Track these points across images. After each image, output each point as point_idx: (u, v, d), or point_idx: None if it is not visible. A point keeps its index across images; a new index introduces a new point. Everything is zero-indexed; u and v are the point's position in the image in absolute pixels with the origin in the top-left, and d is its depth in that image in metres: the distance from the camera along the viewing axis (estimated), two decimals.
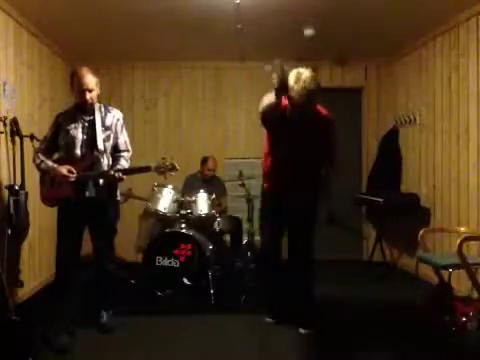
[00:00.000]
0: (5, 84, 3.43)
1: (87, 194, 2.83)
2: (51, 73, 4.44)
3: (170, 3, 3.48)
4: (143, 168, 2.87)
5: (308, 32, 4.11)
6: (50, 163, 2.85)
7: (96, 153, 2.85)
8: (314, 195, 3.04)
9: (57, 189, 2.84)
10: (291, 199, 2.99)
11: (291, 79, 2.70)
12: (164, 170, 2.80)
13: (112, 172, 2.80)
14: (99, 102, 2.95)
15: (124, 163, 2.97)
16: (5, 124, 3.30)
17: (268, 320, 3.11)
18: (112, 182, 2.89)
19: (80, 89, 2.80)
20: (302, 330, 2.93)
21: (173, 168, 2.82)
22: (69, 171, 2.76)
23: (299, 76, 2.70)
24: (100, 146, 2.85)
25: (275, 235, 3.11)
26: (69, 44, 4.47)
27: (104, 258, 3.00)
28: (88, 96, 2.81)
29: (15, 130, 3.38)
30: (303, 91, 2.68)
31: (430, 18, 3.83)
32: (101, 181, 2.86)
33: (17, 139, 3.39)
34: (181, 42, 4.50)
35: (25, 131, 3.49)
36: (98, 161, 2.86)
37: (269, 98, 2.76)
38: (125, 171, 2.86)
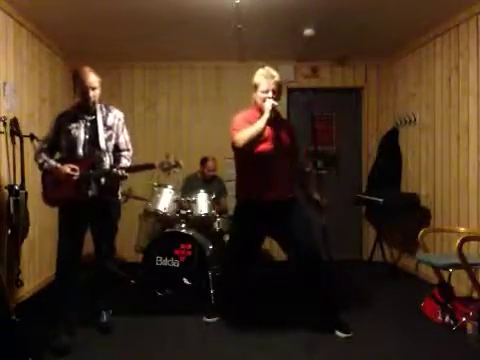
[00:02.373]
0: (5, 84, 3.43)
1: (90, 193, 2.83)
2: (51, 73, 4.44)
3: (170, 3, 3.48)
4: (147, 165, 2.87)
5: (308, 32, 4.12)
6: (53, 162, 2.84)
7: (98, 152, 2.85)
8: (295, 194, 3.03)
9: (59, 189, 2.83)
10: (280, 205, 2.91)
11: (260, 75, 2.89)
12: (168, 167, 2.81)
13: (115, 170, 2.80)
14: (100, 102, 2.96)
15: (126, 162, 2.97)
16: (5, 124, 3.31)
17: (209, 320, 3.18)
18: (115, 180, 2.90)
19: (84, 87, 2.80)
20: (342, 334, 2.87)
21: (177, 165, 2.83)
22: (72, 169, 2.77)
23: (268, 71, 2.88)
24: (102, 146, 2.86)
25: (248, 245, 3.09)
26: (69, 44, 4.47)
27: (106, 257, 3.00)
28: (91, 94, 2.82)
29: (15, 130, 3.38)
30: (275, 83, 2.85)
31: (430, 18, 3.83)
32: (103, 180, 2.86)
33: (17, 139, 3.40)
34: (181, 42, 4.50)
35: (25, 131, 3.50)
36: (100, 161, 2.86)
37: (250, 131, 2.76)
38: (129, 169, 2.87)
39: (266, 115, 2.76)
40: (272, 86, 2.84)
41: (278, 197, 2.89)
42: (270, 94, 2.83)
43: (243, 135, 2.78)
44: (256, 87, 2.90)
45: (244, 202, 3.04)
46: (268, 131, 2.85)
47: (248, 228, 3.01)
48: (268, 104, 2.78)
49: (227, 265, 3.30)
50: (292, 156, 3.02)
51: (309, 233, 2.93)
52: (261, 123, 2.76)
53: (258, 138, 2.78)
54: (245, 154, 2.88)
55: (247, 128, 2.80)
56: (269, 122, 2.79)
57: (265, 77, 2.86)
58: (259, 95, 2.88)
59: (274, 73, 2.87)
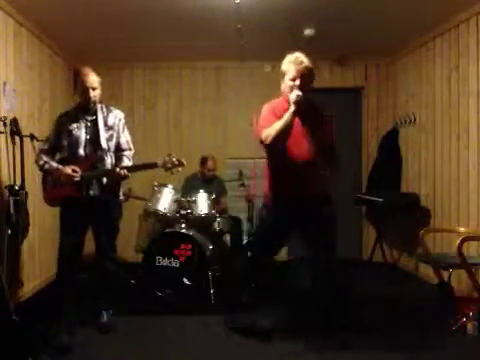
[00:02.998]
0: (5, 84, 3.43)
1: (91, 193, 2.83)
2: (51, 73, 4.44)
3: (170, 3, 3.49)
4: (149, 164, 2.87)
5: (308, 32, 4.12)
6: (54, 164, 2.85)
7: (100, 152, 2.85)
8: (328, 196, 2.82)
9: (60, 189, 2.84)
10: (310, 208, 2.72)
11: (287, 61, 2.67)
12: (170, 166, 2.80)
13: (117, 169, 2.80)
14: (100, 102, 2.96)
15: (127, 162, 2.97)
16: (5, 124, 3.30)
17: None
18: (117, 180, 2.90)
19: (84, 87, 2.81)
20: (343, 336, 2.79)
21: (180, 164, 2.82)
22: (73, 171, 2.77)
23: (296, 57, 2.65)
24: (104, 145, 2.86)
25: (272, 248, 3.02)
26: (69, 44, 4.47)
27: (107, 257, 3.00)
28: (92, 94, 2.82)
29: (15, 130, 3.38)
30: (304, 69, 2.61)
31: (430, 18, 3.83)
32: (105, 180, 2.86)
33: (17, 139, 3.39)
34: (181, 42, 4.50)
35: (25, 131, 3.49)
36: (102, 160, 2.87)
37: (277, 126, 2.59)
38: (131, 168, 2.87)
39: (292, 108, 2.57)
40: (300, 73, 2.61)
41: (312, 198, 2.72)
42: (297, 82, 2.61)
43: (271, 131, 2.61)
44: (284, 75, 2.69)
45: (275, 203, 2.86)
46: (298, 124, 2.66)
47: (276, 229, 2.87)
48: (293, 95, 2.57)
49: (242, 264, 3.23)
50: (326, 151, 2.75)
51: (333, 237, 2.82)
52: (287, 117, 2.58)
53: (285, 133, 2.60)
54: (275, 151, 2.73)
55: (274, 123, 2.63)
56: (301, 115, 2.61)
57: (293, 63, 2.63)
58: (286, 83, 2.66)
59: (303, 59, 2.63)
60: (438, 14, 3.73)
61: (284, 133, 2.60)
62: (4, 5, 3.40)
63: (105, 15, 3.71)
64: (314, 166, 2.71)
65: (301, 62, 2.62)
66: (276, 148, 2.69)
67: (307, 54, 2.71)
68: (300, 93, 2.56)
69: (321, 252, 2.80)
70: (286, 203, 2.78)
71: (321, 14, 3.75)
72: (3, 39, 3.45)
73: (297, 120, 2.65)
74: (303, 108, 2.59)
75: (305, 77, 2.62)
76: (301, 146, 2.68)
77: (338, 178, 3.15)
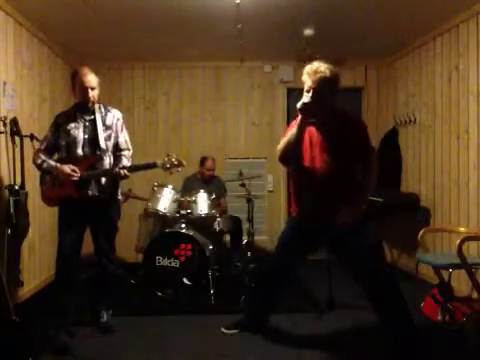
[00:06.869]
0: (5, 84, 3.43)
1: (89, 193, 2.83)
2: (51, 73, 4.44)
3: (170, 3, 3.48)
4: (149, 165, 2.86)
5: (308, 32, 4.12)
6: (52, 162, 2.84)
7: (98, 152, 2.85)
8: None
9: (59, 188, 2.84)
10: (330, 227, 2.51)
11: (304, 73, 2.49)
12: (170, 166, 2.80)
13: (117, 169, 2.80)
14: (98, 102, 2.95)
15: (126, 162, 2.96)
16: (5, 124, 3.30)
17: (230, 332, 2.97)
18: (117, 179, 2.90)
19: (83, 87, 2.80)
20: None
21: (179, 164, 2.81)
22: (72, 170, 2.77)
23: (311, 67, 2.46)
24: (102, 145, 2.85)
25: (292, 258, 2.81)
26: (69, 44, 4.47)
27: (105, 257, 3.00)
28: (91, 94, 2.82)
29: (15, 130, 3.38)
30: (318, 79, 2.41)
31: (430, 18, 3.83)
32: (103, 180, 2.86)
33: (17, 139, 3.39)
34: (181, 42, 4.50)
35: (25, 131, 3.49)
36: (100, 160, 2.86)
37: (284, 140, 2.57)
38: (131, 168, 2.86)
39: (299, 118, 2.48)
40: (313, 84, 2.42)
41: (328, 218, 2.51)
42: (310, 93, 2.43)
43: (279, 146, 2.58)
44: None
45: (295, 218, 2.77)
46: (314, 136, 2.54)
47: (292, 244, 2.77)
48: (298, 104, 2.45)
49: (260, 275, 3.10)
50: (350, 165, 2.58)
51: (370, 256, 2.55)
52: (294, 129, 2.50)
53: (291, 144, 2.52)
54: (291, 165, 2.68)
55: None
56: (319, 125, 2.52)
57: (307, 74, 2.46)
58: (304, 95, 2.50)
59: (319, 68, 2.42)
60: (438, 14, 3.73)
61: (289, 144, 2.53)
62: (4, 5, 3.40)
63: (105, 15, 3.71)
64: (334, 181, 2.51)
65: (315, 72, 2.42)
66: (288, 161, 2.64)
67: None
68: (306, 100, 2.43)
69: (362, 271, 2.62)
70: (303, 219, 2.69)
71: (321, 14, 3.75)
72: (3, 39, 3.45)
73: (315, 133, 2.55)
74: (325, 120, 2.52)
75: (320, 87, 2.42)
76: (319, 160, 2.53)
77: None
